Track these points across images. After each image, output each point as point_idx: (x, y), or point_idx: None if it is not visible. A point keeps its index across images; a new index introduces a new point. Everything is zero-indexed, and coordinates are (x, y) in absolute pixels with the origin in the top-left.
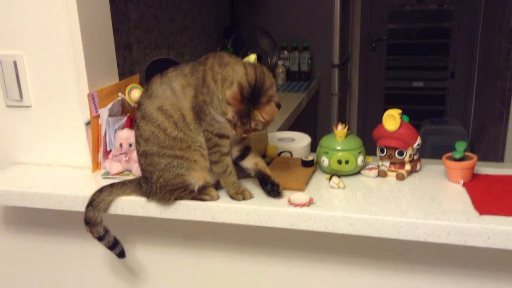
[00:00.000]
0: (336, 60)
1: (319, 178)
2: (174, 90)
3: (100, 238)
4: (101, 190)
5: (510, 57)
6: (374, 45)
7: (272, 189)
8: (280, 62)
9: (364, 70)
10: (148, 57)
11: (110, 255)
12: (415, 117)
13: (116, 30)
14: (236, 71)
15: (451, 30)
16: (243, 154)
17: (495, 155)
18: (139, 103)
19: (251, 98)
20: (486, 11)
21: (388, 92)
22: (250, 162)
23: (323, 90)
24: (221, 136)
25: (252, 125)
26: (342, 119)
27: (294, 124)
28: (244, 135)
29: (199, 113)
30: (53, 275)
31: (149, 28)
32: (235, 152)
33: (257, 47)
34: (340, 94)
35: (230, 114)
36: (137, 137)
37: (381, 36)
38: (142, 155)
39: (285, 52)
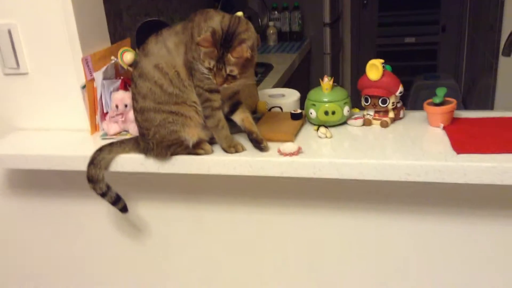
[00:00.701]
0: (327, 19)
1: (308, 130)
2: (168, 48)
3: (103, 195)
4: (101, 149)
5: (500, 8)
6: (365, 1)
7: (256, 146)
8: (271, 23)
9: (356, 27)
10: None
11: (113, 213)
12: (408, 73)
13: None
14: (214, 20)
15: None
16: (233, 109)
17: (486, 107)
18: (136, 62)
19: (223, 42)
20: None
21: (380, 49)
22: (238, 118)
23: (315, 50)
24: (212, 91)
25: (228, 70)
26: (336, 78)
27: (286, 84)
28: (224, 85)
29: (190, 69)
30: (58, 234)
31: None
32: (226, 108)
33: (247, 8)
34: (332, 53)
35: (207, 61)
36: (135, 94)
37: None
38: (139, 112)
39: (276, 12)
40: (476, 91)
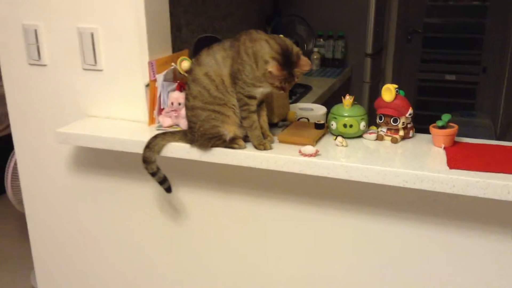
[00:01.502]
0: (369, 50)
1: (328, 139)
2: (217, 60)
3: (153, 174)
4: (156, 136)
5: None
6: (409, 37)
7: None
8: (315, 49)
9: (398, 60)
10: (195, 38)
11: (157, 194)
12: (446, 109)
13: (169, 13)
14: (262, 47)
15: (485, 26)
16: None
17: None
18: (191, 69)
19: (287, 62)
20: None
21: (421, 83)
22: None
23: (355, 78)
24: (250, 97)
25: (296, 79)
26: (372, 107)
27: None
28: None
29: (234, 78)
30: (110, 209)
31: (198, 12)
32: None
33: (295, 34)
34: (371, 83)
35: (278, 83)
36: (187, 95)
37: (417, 29)
38: (189, 109)
39: (321, 40)
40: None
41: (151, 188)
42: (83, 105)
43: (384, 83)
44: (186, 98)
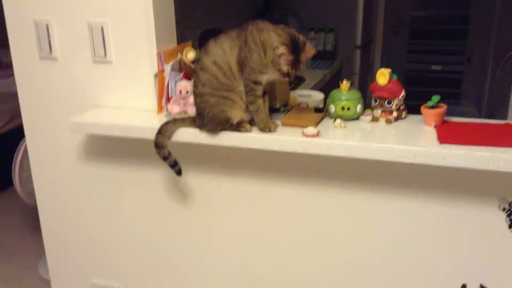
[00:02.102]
0: (358, 42)
1: (327, 122)
2: (224, 49)
3: (165, 158)
4: (167, 122)
5: None
6: (397, 29)
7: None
8: None
9: (386, 52)
10: (194, 32)
11: (166, 179)
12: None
13: None
14: (270, 36)
15: (469, 17)
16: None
17: None
18: (200, 58)
19: (295, 49)
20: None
21: (409, 73)
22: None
23: (346, 69)
24: (256, 82)
25: (301, 66)
26: (364, 96)
27: None
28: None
29: (242, 65)
30: (120, 195)
31: (194, 7)
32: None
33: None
34: (361, 74)
35: (285, 67)
36: (196, 82)
37: (404, 21)
38: (198, 96)
39: (312, 33)
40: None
41: (162, 174)
42: (93, 96)
43: (373, 75)
44: (195, 86)
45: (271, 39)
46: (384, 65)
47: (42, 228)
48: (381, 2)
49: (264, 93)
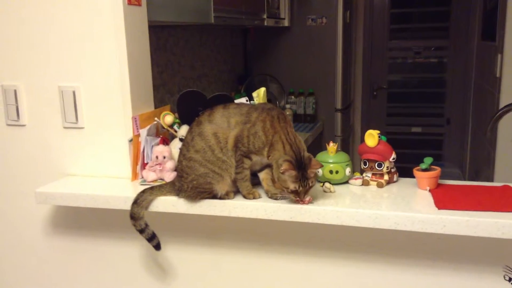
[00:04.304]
0: (338, 105)
1: (315, 186)
2: (230, 124)
3: (141, 231)
4: (144, 191)
5: (496, 103)
6: (375, 93)
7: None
8: (287, 106)
9: (365, 115)
10: (172, 98)
11: (143, 253)
12: (414, 160)
13: None
14: (278, 150)
15: (446, 80)
16: (262, 169)
17: None
18: (201, 121)
19: (299, 165)
20: (477, 63)
21: (389, 136)
22: (261, 176)
23: (327, 132)
24: (248, 157)
25: (310, 183)
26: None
27: None
28: (305, 201)
29: (238, 142)
30: (93, 270)
31: (174, 73)
32: (258, 167)
33: (267, 92)
34: (342, 136)
35: (292, 185)
36: (188, 144)
37: (382, 85)
38: (186, 159)
39: (292, 97)
40: (479, 181)
41: (138, 248)
42: (63, 165)
43: (354, 137)
44: (185, 147)
45: (279, 154)
46: (364, 127)
47: None
48: (359, 67)
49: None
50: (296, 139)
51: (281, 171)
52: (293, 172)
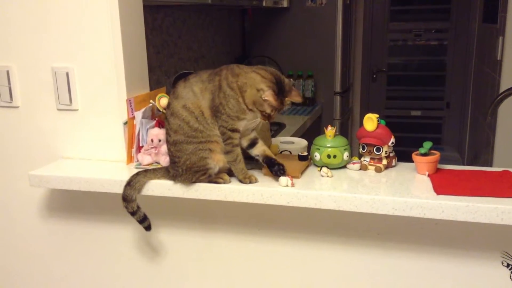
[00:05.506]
0: (337, 88)
1: (313, 170)
2: (194, 92)
3: (133, 213)
4: (137, 173)
5: (497, 87)
6: (374, 76)
7: (279, 169)
8: None
9: (364, 98)
10: (169, 80)
11: (135, 235)
12: (413, 144)
13: None
14: (252, 78)
15: (446, 63)
16: (252, 143)
17: None
18: (169, 103)
19: (280, 91)
20: (478, 46)
21: (388, 120)
22: (259, 150)
23: (326, 115)
24: (233, 130)
25: (284, 108)
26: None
27: None
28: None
29: (216, 112)
30: (86, 252)
31: (170, 54)
32: (245, 142)
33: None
34: (341, 120)
35: (269, 109)
36: (168, 130)
37: (382, 68)
38: (172, 144)
39: (291, 79)
40: (478, 165)
41: (131, 230)
42: (57, 147)
43: (353, 120)
44: (167, 134)
45: (253, 80)
46: (363, 111)
47: None
48: (359, 49)
49: (255, 139)
50: (268, 67)
51: (263, 98)
52: (274, 103)
